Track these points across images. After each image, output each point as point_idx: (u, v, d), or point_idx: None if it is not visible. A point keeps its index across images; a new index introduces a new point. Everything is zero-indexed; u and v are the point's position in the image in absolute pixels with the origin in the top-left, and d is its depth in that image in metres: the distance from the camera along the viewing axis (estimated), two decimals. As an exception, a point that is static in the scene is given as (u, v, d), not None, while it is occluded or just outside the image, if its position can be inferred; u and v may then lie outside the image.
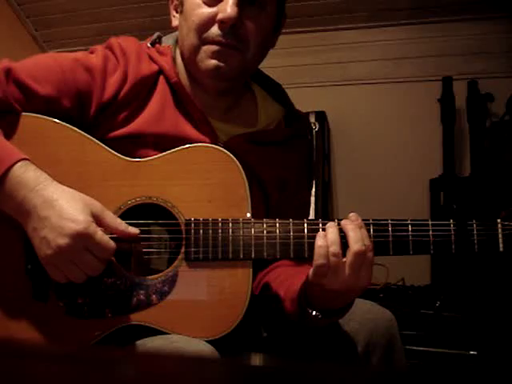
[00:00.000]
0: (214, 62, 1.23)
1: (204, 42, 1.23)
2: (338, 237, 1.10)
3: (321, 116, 2.96)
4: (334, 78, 3.05)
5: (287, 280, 1.24)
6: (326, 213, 2.94)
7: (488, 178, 2.64)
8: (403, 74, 2.96)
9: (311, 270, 1.11)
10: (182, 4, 1.28)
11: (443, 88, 2.85)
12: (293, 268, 1.29)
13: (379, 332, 1.21)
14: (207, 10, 1.22)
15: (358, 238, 1.09)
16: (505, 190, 2.43)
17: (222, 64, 1.23)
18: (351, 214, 1.14)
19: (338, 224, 1.13)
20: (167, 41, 1.36)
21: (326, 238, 1.10)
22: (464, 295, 2.37)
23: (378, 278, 2.63)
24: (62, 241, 1.06)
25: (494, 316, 2.15)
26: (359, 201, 2.98)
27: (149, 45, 1.32)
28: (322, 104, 2.99)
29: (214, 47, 1.23)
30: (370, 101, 3.02)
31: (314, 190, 2.80)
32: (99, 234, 1.09)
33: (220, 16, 1.21)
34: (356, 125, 3.05)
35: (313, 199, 2.79)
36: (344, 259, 1.08)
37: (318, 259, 1.09)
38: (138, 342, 1.13)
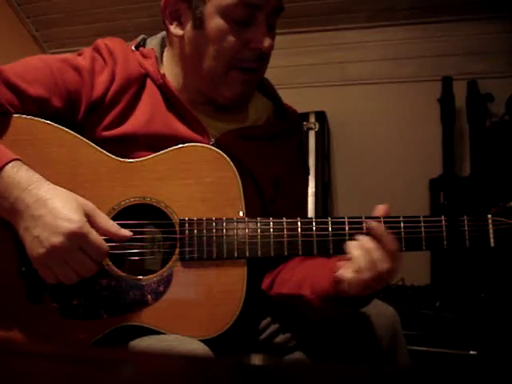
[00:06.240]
0: (242, 89, 1.26)
1: (233, 66, 1.24)
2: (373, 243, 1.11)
3: (321, 116, 2.97)
4: (333, 78, 3.05)
5: (310, 277, 1.22)
6: (326, 213, 2.93)
7: (488, 177, 2.64)
8: (403, 74, 2.96)
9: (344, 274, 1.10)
10: (199, 20, 1.23)
11: (443, 88, 2.85)
12: (310, 262, 1.27)
13: (383, 327, 1.21)
14: (239, 36, 1.22)
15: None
16: (505, 190, 2.43)
17: (247, 90, 1.28)
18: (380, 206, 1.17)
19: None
20: (151, 43, 1.36)
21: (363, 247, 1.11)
22: (464, 295, 2.37)
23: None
24: (56, 239, 1.05)
25: (493, 316, 2.15)
26: (359, 201, 2.97)
27: (133, 48, 1.33)
28: (322, 104, 2.99)
29: (245, 76, 1.25)
30: (370, 101, 3.02)
31: (313, 189, 2.80)
32: (93, 234, 1.08)
33: (258, 45, 1.22)
34: (356, 125, 3.05)
35: (313, 199, 2.79)
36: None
37: (356, 264, 1.09)
38: (131, 342, 1.13)
